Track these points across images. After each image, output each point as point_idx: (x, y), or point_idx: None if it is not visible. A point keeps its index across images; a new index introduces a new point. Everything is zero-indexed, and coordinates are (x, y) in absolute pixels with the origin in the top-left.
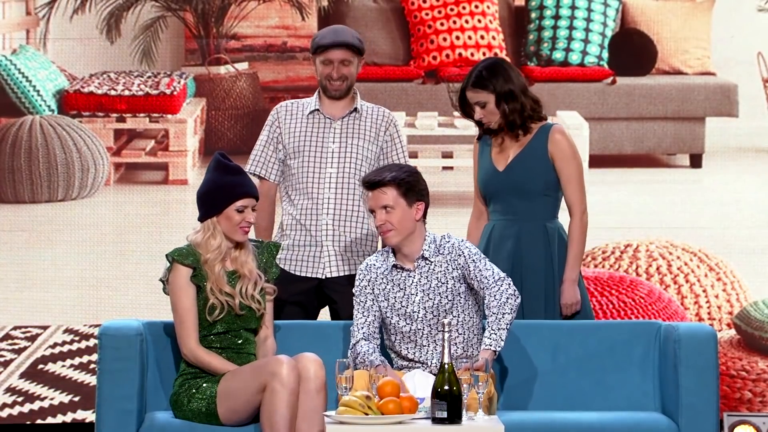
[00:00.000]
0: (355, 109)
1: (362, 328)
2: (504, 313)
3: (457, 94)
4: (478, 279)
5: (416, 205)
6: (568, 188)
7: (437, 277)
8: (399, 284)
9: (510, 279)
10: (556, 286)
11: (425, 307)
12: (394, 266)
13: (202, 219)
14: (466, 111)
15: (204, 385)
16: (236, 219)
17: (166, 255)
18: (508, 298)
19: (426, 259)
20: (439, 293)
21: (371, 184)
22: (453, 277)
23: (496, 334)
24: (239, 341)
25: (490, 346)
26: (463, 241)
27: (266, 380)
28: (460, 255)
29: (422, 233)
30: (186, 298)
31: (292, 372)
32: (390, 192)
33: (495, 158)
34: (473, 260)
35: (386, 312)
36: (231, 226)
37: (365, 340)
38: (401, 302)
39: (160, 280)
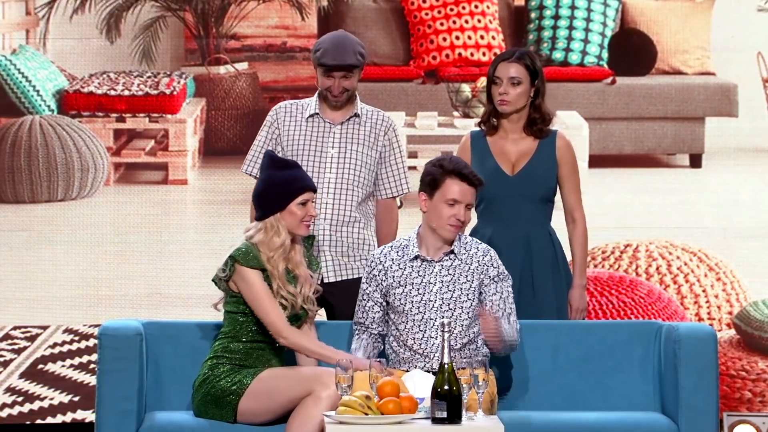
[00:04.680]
0: (356, 114)
1: (373, 321)
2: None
3: (457, 94)
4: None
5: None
6: (573, 194)
7: (462, 273)
8: (419, 271)
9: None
10: (565, 289)
11: (442, 298)
12: (417, 257)
13: (262, 217)
14: (490, 89)
15: (236, 373)
16: (299, 214)
17: (230, 256)
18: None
19: (454, 254)
20: (461, 289)
21: (477, 182)
22: (477, 279)
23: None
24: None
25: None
26: (504, 272)
27: (314, 388)
28: (489, 270)
29: None
30: (265, 290)
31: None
32: (475, 192)
33: (498, 160)
34: (506, 290)
35: (400, 299)
36: (295, 221)
37: (373, 334)
38: (418, 289)
39: (213, 280)
